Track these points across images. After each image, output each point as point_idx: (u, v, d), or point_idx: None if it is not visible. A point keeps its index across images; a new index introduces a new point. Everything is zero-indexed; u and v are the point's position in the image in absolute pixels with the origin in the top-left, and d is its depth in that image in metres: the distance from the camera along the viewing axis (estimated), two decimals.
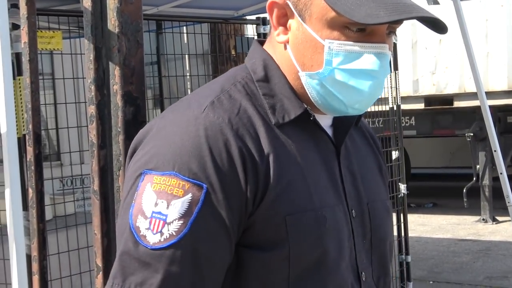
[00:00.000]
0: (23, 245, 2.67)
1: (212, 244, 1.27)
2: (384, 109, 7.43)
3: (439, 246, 9.33)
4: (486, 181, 10.78)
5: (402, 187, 7.03)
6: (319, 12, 1.35)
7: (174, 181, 1.25)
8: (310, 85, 1.38)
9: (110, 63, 1.51)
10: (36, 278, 1.63)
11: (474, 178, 11.06)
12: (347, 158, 1.49)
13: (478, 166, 10.90)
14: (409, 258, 7.01)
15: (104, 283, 1.54)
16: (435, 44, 10.61)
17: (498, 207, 10.08)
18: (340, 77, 1.35)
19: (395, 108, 7.24)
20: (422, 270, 7.95)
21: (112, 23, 1.50)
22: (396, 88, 7.19)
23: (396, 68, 7.17)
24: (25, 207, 2.63)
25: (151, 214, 1.25)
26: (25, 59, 1.63)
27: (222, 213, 1.26)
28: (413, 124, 11.33)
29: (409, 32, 10.66)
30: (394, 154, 7.15)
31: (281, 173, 1.31)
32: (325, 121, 1.46)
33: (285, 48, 1.42)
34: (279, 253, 1.31)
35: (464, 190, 11.07)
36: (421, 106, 10.73)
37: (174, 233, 1.24)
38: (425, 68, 10.68)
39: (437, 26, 1.38)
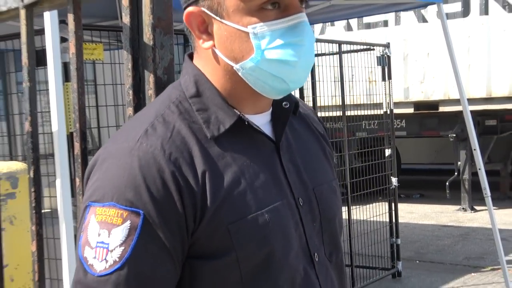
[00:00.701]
0: (71, 226, 2.66)
1: (154, 265, 1.21)
2: (379, 113, 7.43)
3: (425, 231, 9.32)
4: (466, 175, 10.75)
5: (394, 180, 7.01)
6: (233, 5, 1.26)
7: (113, 211, 1.19)
8: (248, 74, 1.29)
9: (145, 71, 1.50)
10: None
11: (456, 173, 11.03)
12: (289, 151, 1.40)
13: (459, 163, 10.87)
14: (399, 241, 7.00)
15: None
16: (423, 57, 10.58)
17: (476, 198, 10.05)
18: (271, 55, 1.26)
19: (388, 112, 7.22)
20: (410, 251, 7.93)
21: (147, 36, 1.48)
22: (389, 95, 7.17)
23: (389, 78, 7.14)
24: (73, 194, 2.62)
25: (96, 244, 1.19)
26: (72, 67, 1.61)
27: (161, 236, 1.20)
28: (404, 126, 11.29)
29: (401, 47, 10.63)
30: (387, 152, 7.12)
31: (217, 188, 1.24)
32: (262, 120, 1.37)
33: (213, 52, 1.32)
34: (228, 259, 1.24)
35: (447, 183, 11.01)
36: (410, 110, 10.69)
37: (117, 259, 1.18)
38: (415, 77, 10.63)
39: None
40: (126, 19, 1.51)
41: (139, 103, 1.50)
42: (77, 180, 1.60)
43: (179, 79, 1.38)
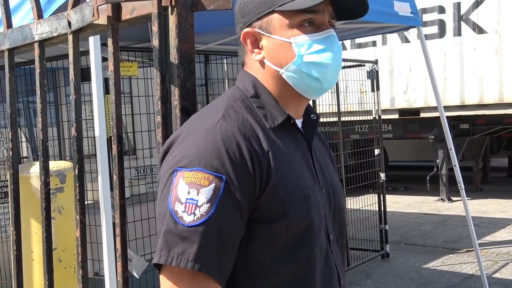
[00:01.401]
0: (110, 215, 2.67)
1: (231, 220, 1.25)
2: (369, 118, 7.41)
3: (409, 218, 9.31)
4: (443, 171, 10.71)
5: (382, 175, 6.99)
6: (278, 22, 1.36)
7: (201, 174, 1.24)
8: (290, 76, 1.39)
9: (171, 85, 1.50)
10: (118, 239, 1.60)
11: (435, 169, 10.98)
12: (315, 152, 1.48)
13: (437, 160, 10.82)
14: (387, 227, 6.99)
15: None
16: (406, 71, 10.54)
17: (452, 190, 10.01)
18: (309, 59, 1.36)
19: (377, 118, 7.21)
20: (396, 235, 7.91)
21: (173, 56, 1.48)
22: (378, 104, 7.16)
23: (377, 89, 7.13)
24: (111, 188, 2.63)
25: (185, 200, 1.24)
26: (111, 82, 1.61)
27: (238, 197, 1.25)
28: (390, 129, 11.24)
29: (388, 63, 10.59)
30: (376, 151, 7.10)
31: (277, 165, 1.31)
32: (298, 124, 1.46)
33: (262, 63, 1.42)
34: (280, 224, 1.30)
35: (427, 178, 10.98)
36: (396, 116, 10.65)
37: (204, 213, 1.23)
38: (399, 88, 10.59)
39: (355, 12, 1.45)
40: (155, 42, 1.51)
41: (166, 112, 1.50)
42: (115, 176, 1.60)
43: (236, 84, 1.47)
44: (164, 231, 1.26)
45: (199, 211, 1.23)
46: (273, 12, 1.37)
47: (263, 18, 1.39)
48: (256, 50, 1.41)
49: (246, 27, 1.41)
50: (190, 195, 1.24)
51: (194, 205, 1.23)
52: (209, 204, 1.23)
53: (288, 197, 1.31)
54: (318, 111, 7.04)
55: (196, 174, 1.24)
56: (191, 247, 1.22)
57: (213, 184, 1.24)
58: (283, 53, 1.38)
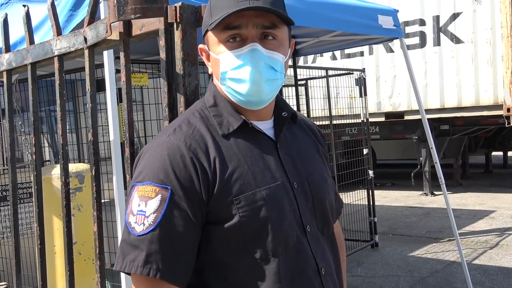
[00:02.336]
0: (124, 211, 2.67)
1: (178, 227, 1.24)
2: (358, 121, 7.42)
3: (395, 211, 9.29)
4: (426, 168, 10.70)
5: (370, 173, 6.98)
6: (212, 40, 1.34)
7: (149, 188, 1.24)
8: (224, 90, 1.36)
9: (177, 93, 1.51)
10: None
11: (418, 166, 10.96)
12: (286, 147, 1.40)
13: (421, 158, 10.81)
14: (376, 219, 6.98)
15: None
16: (391, 78, 10.53)
17: (434, 185, 9.99)
18: (231, 75, 1.31)
19: (365, 121, 7.21)
20: (384, 227, 7.91)
21: (179, 67, 1.49)
22: (366, 108, 7.16)
23: (365, 95, 7.14)
24: (125, 187, 2.63)
25: (136, 212, 1.24)
26: (123, 92, 1.62)
27: (184, 205, 1.23)
28: (377, 131, 11.21)
29: (374, 71, 10.58)
30: (365, 151, 7.09)
31: (224, 170, 1.27)
32: (265, 125, 1.39)
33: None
34: (233, 224, 1.27)
35: (412, 174, 10.96)
36: (382, 119, 10.63)
37: (151, 223, 1.22)
38: (385, 94, 10.58)
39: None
40: (163, 55, 1.52)
41: (173, 117, 1.51)
42: (127, 176, 1.61)
43: (204, 95, 1.44)
44: (121, 241, 1.28)
45: (147, 221, 1.23)
46: (207, 30, 1.34)
47: (205, 36, 1.37)
48: (209, 63, 1.40)
49: (202, 43, 1.41)
50: (140, 207, 1.25)
51: (143, 216, 1.24)
52: (155, 214, 1.23)
53: (237, 198, 1.27)
54: (312, 115, 7.06)
55: (145, 187, 1.25)
56: (140, 254, 1.23)
57: (159, 195, 1.24)
58: (216, 68, 1.36)
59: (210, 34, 1.34)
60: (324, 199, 1.44)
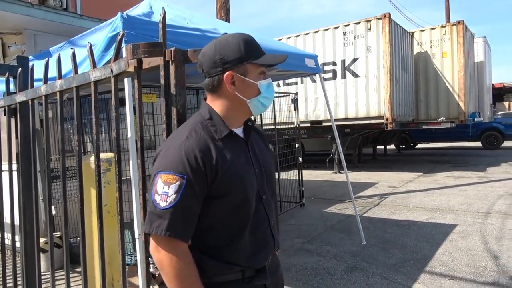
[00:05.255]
0: (137, 185, 2.63)
1: (191, 203, 1.21)
2: (292, 126, 7.49)
3: (316, 183, 9.35)
4: (336, 156, 10.85)
5: (300, 159, 7.04)
6: (251, 70, 1.29)
7: (171, 176, 1.20)
8: (252, 104, 1.32)
9: (172, 107, 1.50)
10: (141, 198, 1.58)
11: (331, 155, 11.13)
12: (252, 147, 1.39)
13: (332, 150, 10.96)
14: (303, 188, 7.04)
15: None
16: (314, 99, 10.60)
17: (341, 167, 10.15)
18: (265, 94, 1.31)
19: (297, 126, 7.28)
20: (309, 193, 7.93)
21: (173, 89, 1.48)
22: (297, 118, 7.23)
23: (297, 109, 7.20)
24: (142, 170, 2.60)
25: (161, 192, 1.20)
26: (137, 106, 1.60)
27: (195, 189, 1.20)
28: (306, 132, 11.28)
29: (303, 94, 10.68)
30: (297, 145, 7.17)
31: (223, 164, 1.24)
32: (239, 131, 1.36)
33: (231, 96, 1.30)
34: (228, 198, 1.24)
35: (327, 160, 11.20)
36: (309, 125, 10.68)
37: (172, 200, 1.19)
38: (310, 109, 10.64)
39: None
40: (162, 81, 1.51)
41: (169, 122, 1.51)
42: (139, 161, 1.59)
43: (200, 111, 1.39)
44: (148, 212, 1.23)
45: (169, 199, 1.19)
46: (248, 63, 1.29)
47: (240, 66, 1.28)
48: (232, 87, 1.30)
49: (226, 70, 1.28)
50: (164, 189, 1.20)
51: (166, 196, 1.20)
52: (175, 195, 1.19)
53: (230, 181, 1.24)
54: (263, 122, 7.10)
55: (168, 176, 1.20)
56: (164, 222, 1.19)
57: (178, 182, 1.19)
58: (250, 89, 1.30)
59: (249, 65, 1.28)
60: (272, 178, 1.45)
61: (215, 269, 1.26)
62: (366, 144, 12.83)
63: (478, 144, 15.82)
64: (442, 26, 11.13)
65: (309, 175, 10.67)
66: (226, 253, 1.27)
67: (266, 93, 1.32)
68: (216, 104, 1.34)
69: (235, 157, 1.29)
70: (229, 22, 6.33)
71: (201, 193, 1.22)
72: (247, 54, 1.28)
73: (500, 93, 20.29)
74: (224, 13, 6.34)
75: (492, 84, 16.10)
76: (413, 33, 11.38)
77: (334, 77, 10.25)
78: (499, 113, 17.95)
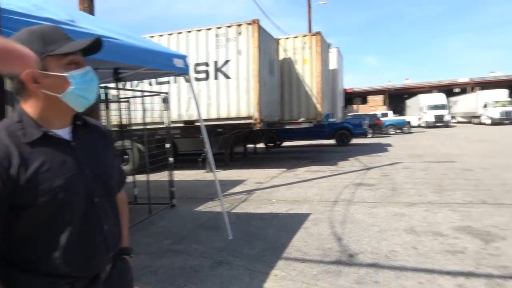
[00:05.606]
0: None
1: None
2: (163, 126, 7.34)
3: (189, 183, 9.28)
4: (208, 155, 10.94)
5: (171, 159, 6.96)
6: (56, 64, 1.18)
7: None
8: (68, 98, 1.20)
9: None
10: None
11: (203, 154, 11.26)
12: (82, 146, 1.27)
13: (205, 150, 11.03)
14: (174, 189, 6.93)
15: None
16: (187, 99, 10.53)
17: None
18: (80, 85, 1.21)
19: (168, 125, 7.18)
20: (180, 193, 7.83)
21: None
22: (168, 117, 7.13)
23: (169, 109, 7.11)
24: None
25: None
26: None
27: None
28: (179, 132, 11.20)
29: (176, 93, 10.54)
30: (167, 145, 7.07)
31: (25, 171, 1.13)
32: (65, 132, 1.25)
33: (39, 95, 1.18)
34: (35, 207, 1.14)
35: (199, 159, 11.34)
36: (182, 124, 10.58)
37: None
38: (183, 109, 10.56)
39: (95, 48, 1.23)
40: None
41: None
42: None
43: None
44: None
45: None
46: (47, 55, 1.17)
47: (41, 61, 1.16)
48: (35, 85, 1.17)
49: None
50: None
51: None
52: None
53: (36, 189, 1.13)
54: (132, 122, 6.79)
55: None
56: None
57: None
58: (60, 83, 1.18)
59: (50, 59, 1.15)
60: (108, 178, 1.33)
61: (31, 285, 1.15)
62: (238, 143, 13.35)
63: (332, 141, 18.10)
64: (304, 36, 12.40)
65: (182, 175, 10.56)
66: (46, 265, 1.16)
67: (81, 84, 1.19)
68: (27, 106, 1.22)
69: (48, 161, 1.17)
70: (93, 14, 5.86)
71: (4, 201, 1.12)
72: (44, 47, 1.17)
73: (350, 97, 23.74)
74: (88, 3, 5.83)
75: (344, 89, 18.64)
76: (279, 40, 12.37)
77: (207, 77, 10.39)
78: (349, 114, 21.01)
